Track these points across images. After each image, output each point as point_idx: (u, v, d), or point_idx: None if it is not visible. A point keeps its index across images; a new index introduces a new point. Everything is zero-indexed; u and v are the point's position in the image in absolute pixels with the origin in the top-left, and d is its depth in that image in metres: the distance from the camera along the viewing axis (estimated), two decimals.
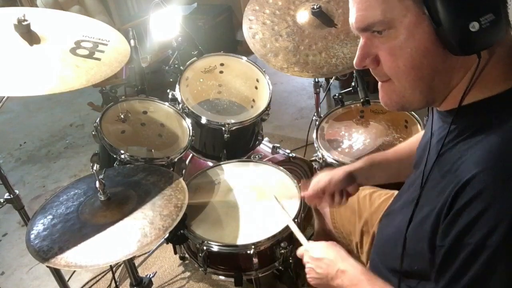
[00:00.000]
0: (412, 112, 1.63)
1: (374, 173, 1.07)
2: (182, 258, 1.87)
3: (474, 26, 0.57)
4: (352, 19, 0.67)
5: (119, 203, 1.12)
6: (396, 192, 1.03)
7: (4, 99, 1.23)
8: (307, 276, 0.93)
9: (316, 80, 1.80)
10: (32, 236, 1.05)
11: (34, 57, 1.09)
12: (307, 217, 1.73)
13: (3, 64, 1.04)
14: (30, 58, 1.09)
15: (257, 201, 1.35)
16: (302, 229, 1.40)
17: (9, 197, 1.33)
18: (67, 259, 0.98)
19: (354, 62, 0.70)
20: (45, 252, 1.00)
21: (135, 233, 1.03)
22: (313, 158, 1.68)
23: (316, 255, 0.90)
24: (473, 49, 0.60)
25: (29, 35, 1.12)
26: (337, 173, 1.06)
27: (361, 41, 0.69)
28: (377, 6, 0.62)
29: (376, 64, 0.68)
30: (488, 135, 0.61)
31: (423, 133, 0.88)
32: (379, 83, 0.72)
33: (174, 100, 1.64)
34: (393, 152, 1.08)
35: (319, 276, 0.89)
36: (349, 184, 1.06)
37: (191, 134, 1.55)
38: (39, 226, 1.08)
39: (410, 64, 0.64)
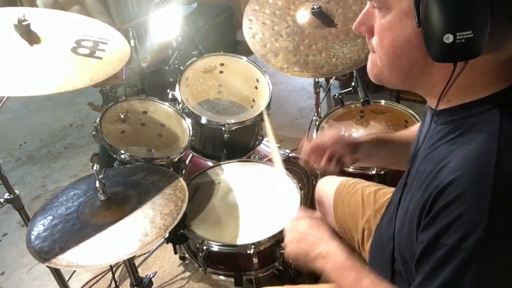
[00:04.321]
0: (412, 112, 1.63)
1: (377, 152, 1.05)
2: (182, 258, 1.87)
3: (448, 38, 0.55)
4: None
5: (119, 203, 1.12)
6: None
7: (4, 99, 1.23)
8: (285, 248, 0.91)
9: (316, 80, 1.80)
10: (33, 237, 1.05)
11: (34, 57, 1.09)
12: None
13: (4, 63, 1.04)
14: (30, 58, 1.08)
15: (257, 201, 1.36)
16: None
17: (9, 197, 1.33)
18: (68, 259, 0.98)
19: (354, 25, 0.72)
20: (46, 253, 1.00)
21: (135, 232, 1.04)
22: None
23: (302, 228, 0.89)
24: (445, 59, 0.58)
25: (29, 35, 1.12)
26: (344, 137, 1.04)
27: (366, 7, 0.70)
28: None
29: (370, 34, 0.70)
30: (470, 140, 0.61)
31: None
32: (370, 52, 0.73)
33: (174, 100, 1.64)
34: (399, 135, 1.07)
35: (299, 251, 0.87)
36: (350, 153, 1.04)
37: (191, 134, 1.55)
38: (39, 227, 1.08)
39: (392, 49, 0.65)
